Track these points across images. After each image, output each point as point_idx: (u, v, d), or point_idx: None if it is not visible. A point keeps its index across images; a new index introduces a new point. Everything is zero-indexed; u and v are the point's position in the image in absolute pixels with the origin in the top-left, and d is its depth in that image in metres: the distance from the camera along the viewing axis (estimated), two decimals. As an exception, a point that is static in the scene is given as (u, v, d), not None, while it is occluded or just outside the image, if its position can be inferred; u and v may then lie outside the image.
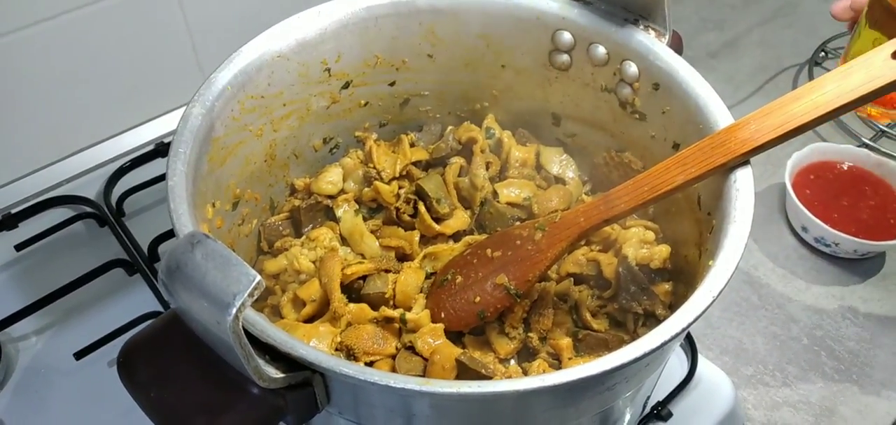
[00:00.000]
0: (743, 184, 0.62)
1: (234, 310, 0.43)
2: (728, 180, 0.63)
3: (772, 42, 1.39)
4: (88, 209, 1.01)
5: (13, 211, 0.99)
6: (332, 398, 0.54)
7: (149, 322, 0.60)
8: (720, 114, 0.67)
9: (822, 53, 1.33)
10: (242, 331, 0.45)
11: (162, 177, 1.01)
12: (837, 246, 0.99)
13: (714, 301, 0.53)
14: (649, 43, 0.75)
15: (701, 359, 0.85)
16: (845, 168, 1.08)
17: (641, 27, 0.76)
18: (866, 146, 1.15)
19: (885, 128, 1.19)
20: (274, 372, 0.49)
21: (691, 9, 1.47)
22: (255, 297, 0.44)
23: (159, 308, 0.89)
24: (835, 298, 0.98)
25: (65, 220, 0.98)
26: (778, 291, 0.99)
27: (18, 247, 0.96)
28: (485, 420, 0.56)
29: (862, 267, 1.02)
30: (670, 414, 0.80)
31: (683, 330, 0.52)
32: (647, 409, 0.80)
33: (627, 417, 0.72)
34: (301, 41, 0.77)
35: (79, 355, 0.84)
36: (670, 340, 0.51)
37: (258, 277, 0.44)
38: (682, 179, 0.64)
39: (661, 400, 0.81)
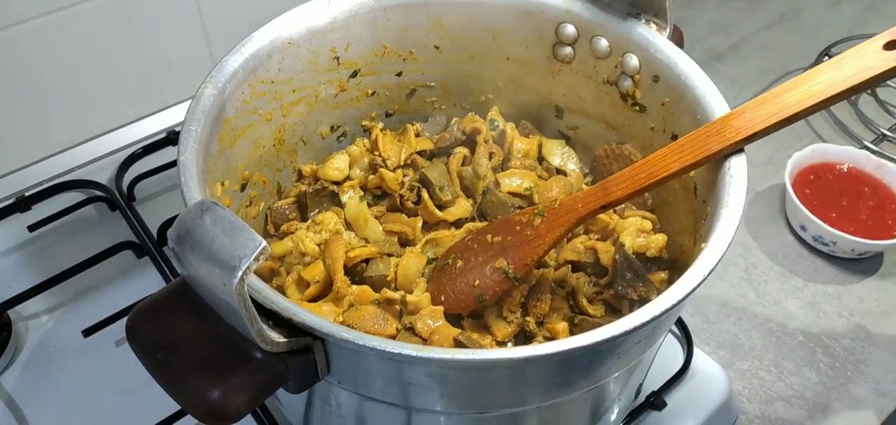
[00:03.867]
0: (736, 170, 0.63)
1: (239, 273, 0.45)
2: (722, 167, 0.64)
3: (776, 46, 1.41)
4: (100, 193, 1.03)
5: (27, 193, 1.01)
6: (331, 366, 0.56)
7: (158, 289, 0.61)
8: (717, 105, 0.69)
9: (826, 57, 1.34)
10: (247, 294, 0.47)
11: (172, 164, 1.04)
12: (835, 245, 1.01)
13: (704, 280, 0.55)
14: (650, 36, 0.77)
15: (697, 352, 0.86)
16: (845, 169, 1.09)
17: (643, 21, 0.78)
18: (867, 148, 1.16)
19: (888, 132, 1.20)
20: (276, 337, 0.51)
21: (697, 12, 1.49)
22: (260, 262, 0.46)
23: (167, 289, 0.91)
24: (832, 297, 0.99)
25: (77, 203, 1.01)
26: (775, 289, 1.01)
27: (31, 228, 0.98)
28: (479, 391, 0.57)
29: (859, 266, 1.03)
30: (664, 404, 0.82)
31: (672, 306, 0.53)
32: (642, 398, 0.81)
33: (620, 402, 0.74)
34: (311, 29, 0.79)
35: (87, 332, 0.86)
36: (659, 316, 0.53)
37: (264, 243, 0.46)
38: (679, 166, 0.66)
39: (655, 389, 0.82)
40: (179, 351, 0.52)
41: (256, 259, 0.46)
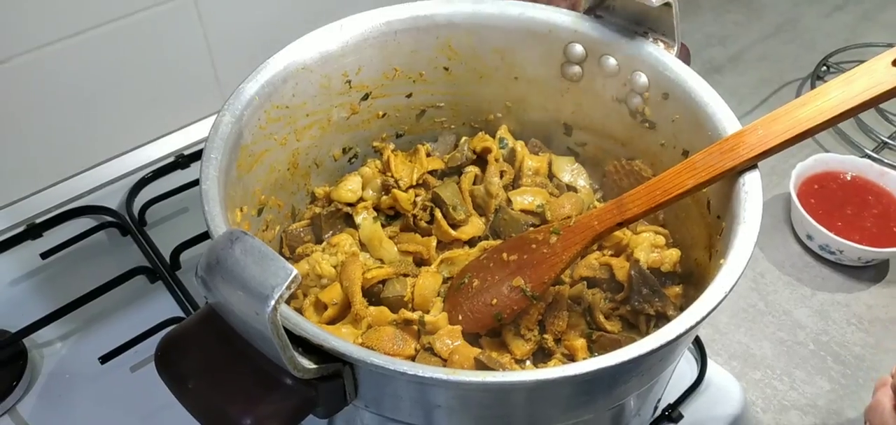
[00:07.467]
0: (751, 187, 0.64)
1: (273, 302, 0.46)
2: (737, 184, 0.65)
3: (774, 57, 1.42)
4: (111, 219, 1.03)
5: (39, 220, 1.02)
6: (359, 391, 0.56)
7: (184, 318, 0.62)
8: (728, 121, 0.70)
9: (824, 67, 1.36)
10: (280, 323, 0.47)
11: (182, 188, 1.05)
12: (842, 253, 1.02)
13: (726, 296, 0.55)
14: (659, 54, 0.78)
15: (710, 363, 0.87)
16: (849, 178, 1.10)
17: (651, 39, 0.79)
18: (869, 157, 1.18)
19: (888, 140, 1.22)
20: (307, 363, 0.51)
21: (695, 25, 1.50)
22: (293, 290, 0.47)
23: (181, 314, 0.91)
24: (840, 304, 1.01)
25: (88, 229, 1.01)
26: (784, 298, 1.02)
27: (44, 255, 0.98)
28: (503, 412, 0.58)
29: (866, 273, 1.04)
30: (681, 416, 0.82)
31: (696, 324, 0.54)
32: (658, 412, 0.82)
33: (639, 417, 0.75)
34: (324, 54, 0.80)
35: (104, 359, 0.86)
36: (684, 334, 0.53)
37: (295, 271, 0.46)
38: (693, 183, 0.67)
39: (671, 402, 0.83)
40: (210, 380, 0.53)
41: (288, 287, 0.46)
